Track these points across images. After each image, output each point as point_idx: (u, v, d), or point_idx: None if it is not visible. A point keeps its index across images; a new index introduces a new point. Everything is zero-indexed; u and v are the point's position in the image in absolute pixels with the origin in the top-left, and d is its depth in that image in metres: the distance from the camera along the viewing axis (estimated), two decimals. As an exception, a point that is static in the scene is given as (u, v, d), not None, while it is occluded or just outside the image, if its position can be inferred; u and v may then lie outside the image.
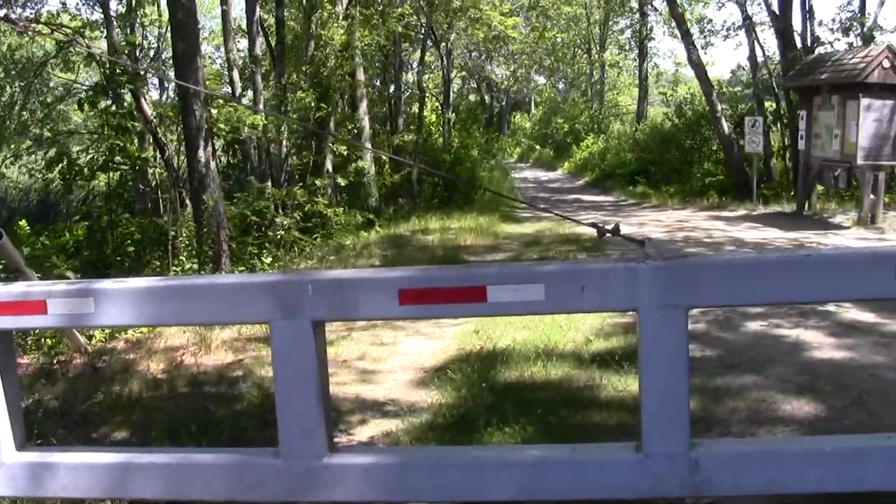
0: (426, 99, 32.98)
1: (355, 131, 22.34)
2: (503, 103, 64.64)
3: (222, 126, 15.42)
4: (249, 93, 22.31)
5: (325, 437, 3.35)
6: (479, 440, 5.36)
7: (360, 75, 22.30)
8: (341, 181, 19.29)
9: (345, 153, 20.65)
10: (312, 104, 18.55)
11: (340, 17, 19.63)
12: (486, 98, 62.16)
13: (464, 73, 48.44)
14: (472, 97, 57.95)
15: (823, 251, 3.37)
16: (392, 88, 27.78)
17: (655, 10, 39.73)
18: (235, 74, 20.89)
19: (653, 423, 3.10)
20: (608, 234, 3.37)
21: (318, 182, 17.50)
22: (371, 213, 19.96)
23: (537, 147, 50.73)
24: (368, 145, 22.38)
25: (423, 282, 3.26)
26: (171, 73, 15.74)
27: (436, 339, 8.24)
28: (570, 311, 4.04)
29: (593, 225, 3.33)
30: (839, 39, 25.00)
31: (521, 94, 63.29)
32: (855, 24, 25.42)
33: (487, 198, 23.65)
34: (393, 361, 7.66)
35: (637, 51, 44.18)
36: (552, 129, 49.60)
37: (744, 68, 30.84)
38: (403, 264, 12.82)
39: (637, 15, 42.28)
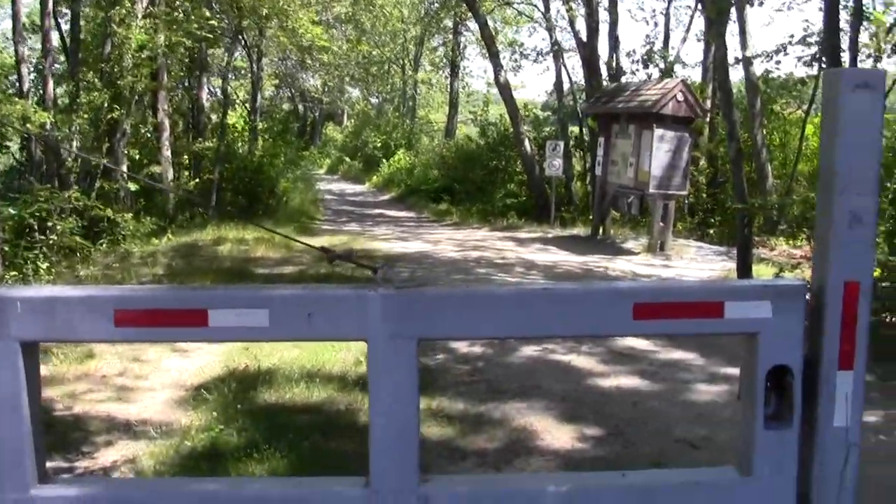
0: (236, 105, 32.36)
1: (150, 135, 21.70)
2: (317, 114, 64.26)
3: (-4, 122, 14.58)
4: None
5: (35, 466, 3.05)
6: (224, 467, 5.11)
7: (164, 77, 21.67)
8: (132, 186, 18.59)
9: (136, 157, 20.01)
10: (105, 104, 17.83)
11: (140, 16, 18.95)
12: (300, 108, 61.69)
13: (277, 80, 47.96)
14: (286, 106, 57.41)
15: (562, 286, 3.33)
16: (198, 92, 27.10)
17: (469, 30, 40.18)
18: (25, 69, 19.88)
19: (381, 457, 2.94)
20: (346, 260, 3.18)
21: (105, 186, 16.88)
22: (165, 219, 19.38)
23: (347, 159, 50.46)
24: (168, 151, 21.76)
25: (141, 303, 3.00)
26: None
27: (204, 355, 7.92)
28: (296, 339, 3.89)
29: (323, 249, 3.14)
30: (640, 70, 25.78)
31: (334, 105, 63.02)
32: (656, 56, 26.24)
33: (288, 209, 23.37)
34: (155, 378, 7.31)
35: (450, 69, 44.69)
36: (362, 141, 49.50)
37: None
38: (188, 274, 12.45)
39: (451, 34, 42.69)
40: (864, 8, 15.93)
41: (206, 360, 7.81)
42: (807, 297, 2.77)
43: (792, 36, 19.42)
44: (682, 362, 7.98)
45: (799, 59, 20.21)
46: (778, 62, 20.74)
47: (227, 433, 5.74)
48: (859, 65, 15.43)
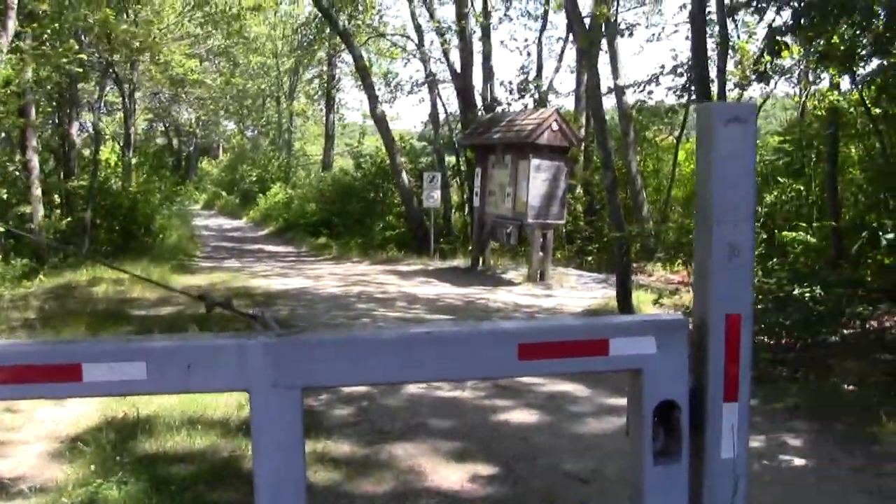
0: (109, 141, 31.67)
1: (19, 174, 21.10)
2: (192, 148, 63.40)
3: None
4: None
5: None
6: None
7: (32, 113, 21.08)
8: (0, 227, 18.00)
9: (4, 197, 19.40)
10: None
11: (5, 50, 18.38)
12: (175, 142, 60.84)
13: (151, 115, 47.23)
14: (160, 140, 56.58)
15: (446, 329, 3.25)
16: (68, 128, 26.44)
17: (344, 62, 40.13)
18: None
19: (268, 512, 2.85)
20: (220, 308, 3.08)
21: (-31, 228, 16.32)
22: (37, 260, 18.80)
23: (224, 194, 49.95)
24: (38, 190, 21.13)
25: (8, 359, 2.85)
26: None
27: (80, 404, 7.60)
28: (176, 392, 3.75)
29: (201, 297, 3.03)
30: (516, 100, 26.05)
31: (209, 139, 62.30)
32: (530, 85, 26.57)
33: (165, 246, 22.95)
34: (28, 430, 7.00)
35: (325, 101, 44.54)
36: (239, 176, 49.02)
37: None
38: (62, 318, 12.07)
39: (326, 66, 42.56)
40: (729, 38, 16.38)
41: (82, 408, 7.53)
42: (689, 328, 2.79)
43: (663, 67, 19.90)
44: (568, 394, 8.02)
45: (670, 88, 20.74)
46: (650, 92, 21.23)
47: (107, 487, 5.50)
48: (727, 93, 15.85)
